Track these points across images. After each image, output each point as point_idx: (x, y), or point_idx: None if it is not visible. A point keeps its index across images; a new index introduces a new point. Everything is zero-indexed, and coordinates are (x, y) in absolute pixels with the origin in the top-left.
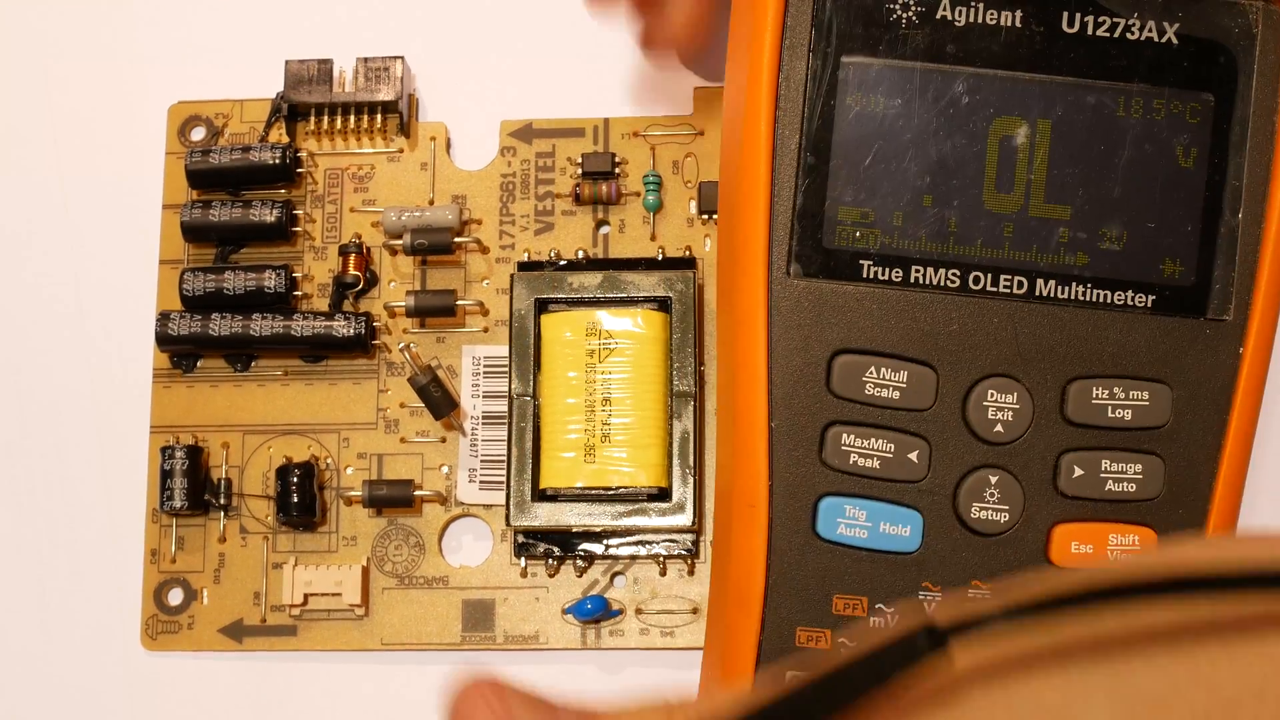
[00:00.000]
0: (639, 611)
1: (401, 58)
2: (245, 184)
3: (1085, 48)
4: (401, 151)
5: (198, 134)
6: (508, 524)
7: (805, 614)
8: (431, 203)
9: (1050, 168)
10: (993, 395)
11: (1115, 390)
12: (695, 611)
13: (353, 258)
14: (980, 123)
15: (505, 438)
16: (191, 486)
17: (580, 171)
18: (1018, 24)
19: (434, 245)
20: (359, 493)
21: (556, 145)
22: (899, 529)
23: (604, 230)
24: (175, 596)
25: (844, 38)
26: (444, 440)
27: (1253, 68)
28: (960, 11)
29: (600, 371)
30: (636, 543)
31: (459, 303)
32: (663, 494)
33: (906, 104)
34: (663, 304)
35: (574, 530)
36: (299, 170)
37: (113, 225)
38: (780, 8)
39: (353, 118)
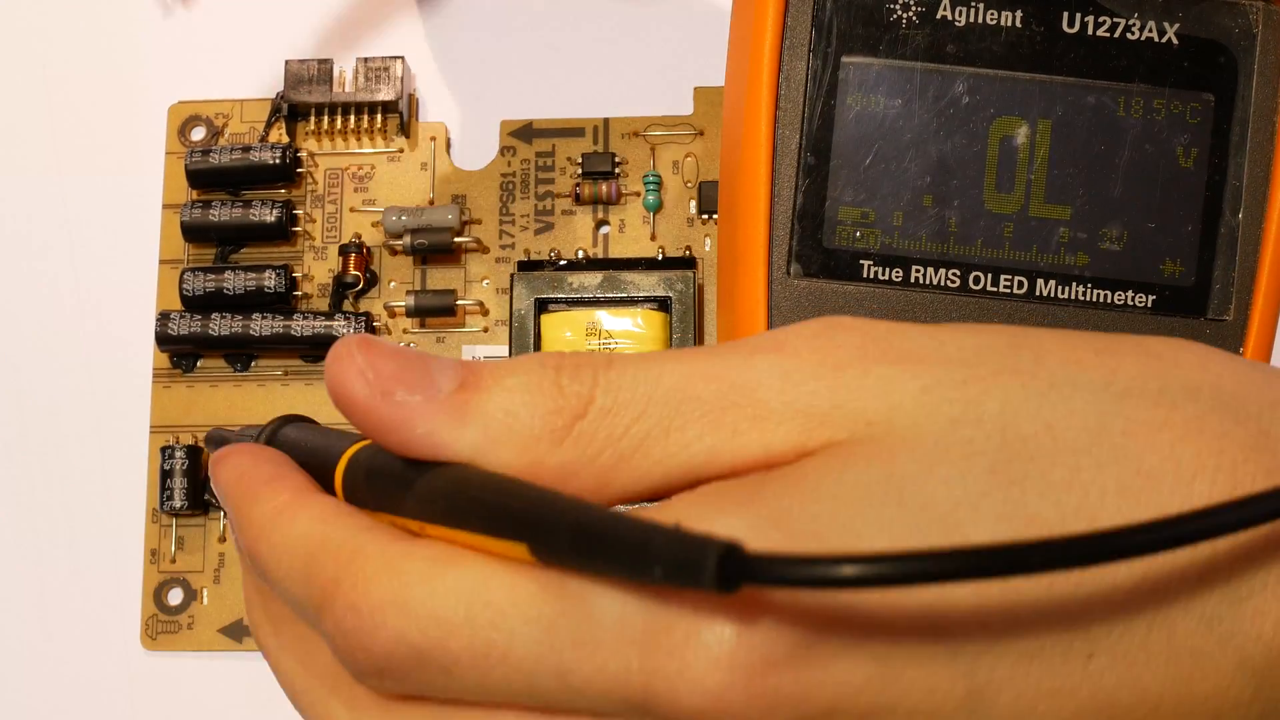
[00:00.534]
0: None
1: (401, 58)
2: (245, 184)
3: (1085, 48)
4: (401, 151)
5: (198, 134)
6: None
7: None
8: (431, 203)
9: (1050, 168)
10: None
11: None
12: None
13: (353, 258)
14: (980, 123)
15: None
16: (191, 486)
17: (580, 171)
18: (1018, 24)
19: (434, 245)
20: None
21: (556, 145)
22: None
23: (604, 230)
24: (175, 596)
25: (844, 38)
26: None
27: (1253, 68)
28: (960, 12)
29: None
30: None
31: (459, 303)
32: None
33: (907, 104)
34: (663, 304)
35: None
36: (299, 170)
37: (113, 225)
38: (780, 8)
39: (353, 118)
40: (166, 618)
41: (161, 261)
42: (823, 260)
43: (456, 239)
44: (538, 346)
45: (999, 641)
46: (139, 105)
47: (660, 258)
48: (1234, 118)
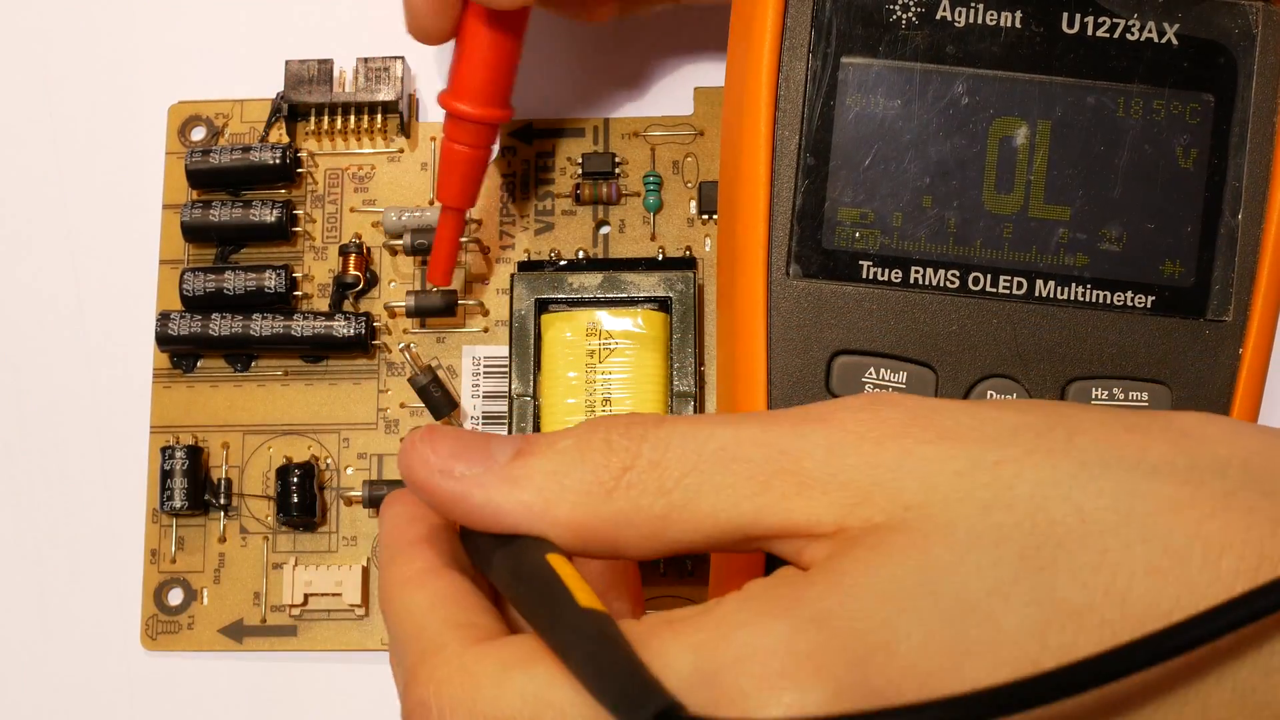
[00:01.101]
0: None
1: (401, 58)
2: (245, 184)
3: (1085, 48)
4: (401, 151)
5: (198, 134)
6: None
7: None
8: (431, 203)
9: (1050, 168)
10: (992, 396)
11: (1115, 391)
12: None
13: (353, 258)
14: (980, 123)
15: None
16: (191, 486)
17: (580, 171)
18: (1017, 25)
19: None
20: (359, 493)
21: (556, 145)
22: None
23: (604, 230)
24: (175, 596)
25: (844, 38)
26: None
27: (1252, 68)
28: (960, 12)
29: (600, 372)
30: None
31: (459, 303)
32: None
33: (906, 105)
34: (663, 304)
35: None
36: (299, 170)
37: (113, 225)
38: (780, 8)
39: (353, 118)
40: (166, 618)
41: (161, 262)
42: (822, 261)
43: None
44: (538, 347)
45: None
46: (139, 105)
47: (660, 258)
48: (1234, 118)
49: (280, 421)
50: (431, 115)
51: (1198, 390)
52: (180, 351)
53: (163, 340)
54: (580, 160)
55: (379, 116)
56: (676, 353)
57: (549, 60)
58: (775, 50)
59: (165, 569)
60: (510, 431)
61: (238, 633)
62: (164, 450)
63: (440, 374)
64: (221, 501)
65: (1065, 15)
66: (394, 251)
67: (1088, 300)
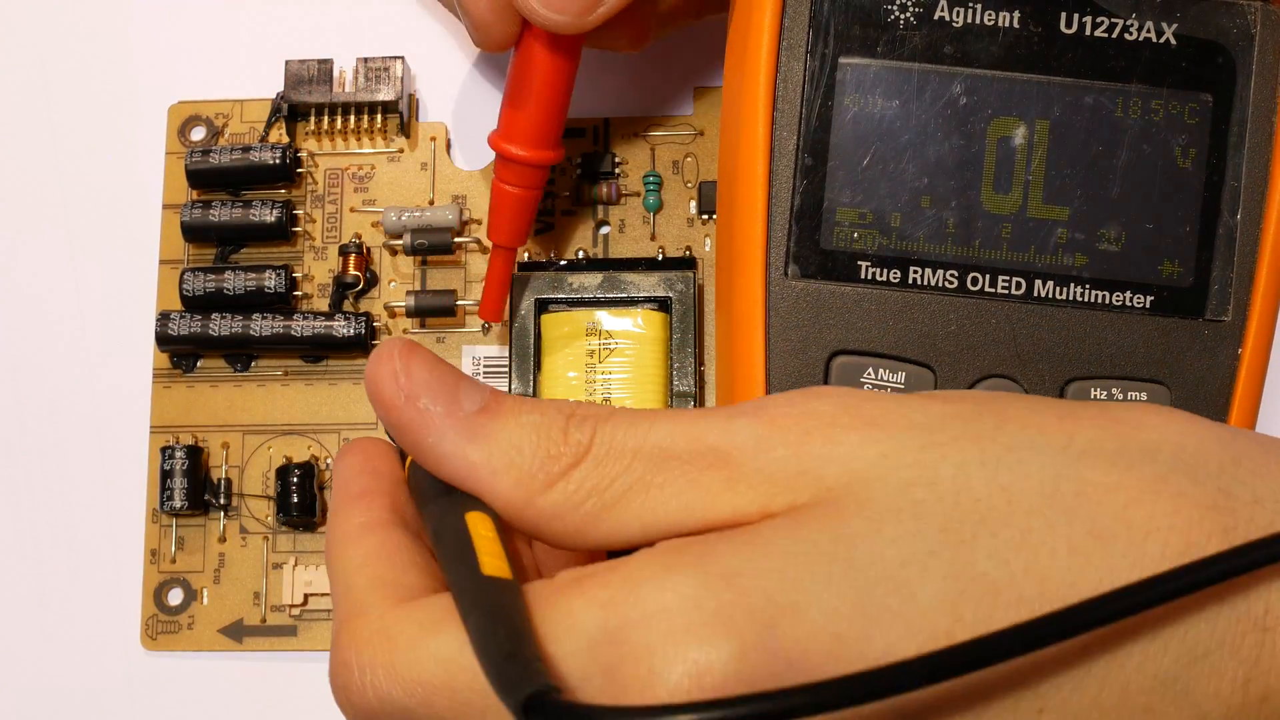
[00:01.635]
0: None
1: (401, 58)
2: (245, 184)
3: (1083, 48)
4: (401, 151)
5: (198, 134)
6: None
7: None
8: (431, 203)
9: (1048, 168)
10: None
11: (1113, 391)
12: None
13: (353, 258)
14: (978, 123)
15: None
16: (191, 486)
17: (580, 172)
18: (1015, 25)
19: (434, 245)
20: None
21: None
22: None
23: (604, 230)
24: (175, 596)
25: (841, 39)
26: None
27: (1251, 68)
28: (958, 12)
29: (600, 372)
30: None
31: (459, 303)
32: None
33: (904, 105)
34: (663, 304)
35: None
36: (299, 170)
37: (112, 225)
38: (778, 8)
39: (353, 118)
40: (166, 618)
41: (161, 261)
42: (820, 261)
43: (456, 239)
44: (538, 347)
45: (947, 701)
46: (139, 105)
47: (660, 258)
48: (1232, 118)
49: (280, 421)
50: (431, 115)
51: (1197, 390)
52: (180, 351)
53: (163, 340)
54: (580, 160)
55: (379, 116)
56: (676, 353)
57: None
58: (773, 50)
59: (165, 569)
60: None
61: (238, 633)
62: (164, 450)
63: None
64: (221, 501)
65: (1063, 15)
66: (394, 251)
67: (1086, 300)
